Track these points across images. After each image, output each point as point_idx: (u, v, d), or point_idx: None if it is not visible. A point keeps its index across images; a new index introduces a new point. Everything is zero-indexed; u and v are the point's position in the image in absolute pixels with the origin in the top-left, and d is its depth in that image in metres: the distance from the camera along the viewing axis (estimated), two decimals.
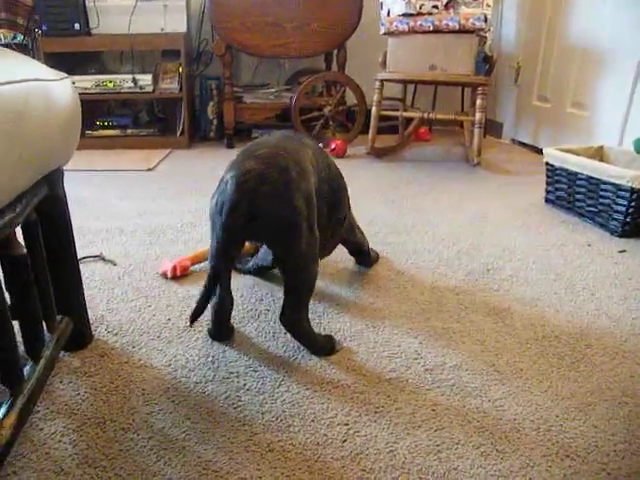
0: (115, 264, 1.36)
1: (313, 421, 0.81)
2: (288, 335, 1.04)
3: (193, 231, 1.59)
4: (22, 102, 0.66)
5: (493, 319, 1.11)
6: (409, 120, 2.95)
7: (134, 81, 2.74)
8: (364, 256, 1.35)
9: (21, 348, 0.78)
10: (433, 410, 0.84)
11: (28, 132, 0.68)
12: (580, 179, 1.70)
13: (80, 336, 1.00)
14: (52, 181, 0.87)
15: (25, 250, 0.77)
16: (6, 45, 2.64)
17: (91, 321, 1.05)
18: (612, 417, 0.83)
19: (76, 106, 0.89)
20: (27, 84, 0.69)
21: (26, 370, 0.77)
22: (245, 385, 0.90)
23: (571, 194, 1.76)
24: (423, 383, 0.91)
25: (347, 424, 0.81)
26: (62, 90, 0.83)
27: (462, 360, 0.97)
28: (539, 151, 2.63)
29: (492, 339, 1.04)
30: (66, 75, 0.88)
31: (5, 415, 0.68)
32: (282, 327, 0.97)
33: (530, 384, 0.91)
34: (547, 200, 1.90)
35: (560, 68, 2.58)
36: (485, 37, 2.54)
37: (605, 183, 1.59)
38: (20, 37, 2.81)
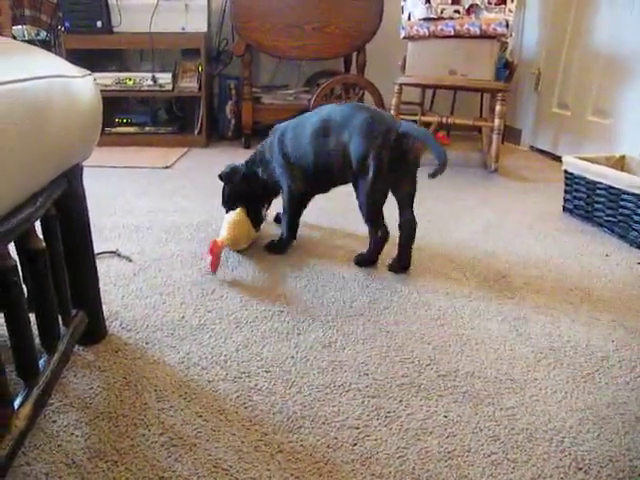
0: (130, 260, 1.37)
1: (324, 423, 0.81)
2: (301, 336, 1.04)
3: (209, 229, 1.60)
4: (45, 98, 0.67)
5: (508, 327, 1.10)
6: (427, 125, 2.93)
7: (154, 79, 2.76)
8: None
9: (36, 340, 0.78)
10: (445, 417, 0.84)
11: (50, 128, 0.69)
12: (600, 188, 1.68)
13: (94, 331, 1.00)
14: (71, 177, 0.88)
15: (43, 244, 0.78)
16: (30, 41, 2.68)
17: (106, 316, 1.06)
18: (628, 432, 0.81)
19: (97, 103, 0.90)
20: (50, 80, 0.70)
21: (41, 362, 0.78)
22: (257, 385, 0.90)
23: (590, 203, 1.74)
24: (435, 389, 0.90)
25: (358, 428, 0.81)
26: (84, 87, 0.83)
27: (475, 367, 0.96)
28: (558, 159, 2.60)
29: (506, 347, 1.03)
30: (89, 72, 0.89)
31: (20, 406, 0.69)
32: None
33: (544, 394, 0.90)
34: (565, 209, 1.87)
35: (582, 75, 2.55)
36: (506, 43, 2.52)
37: (626, 193, 1.57)
38: (43, 34, 2.85)
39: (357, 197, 1.31)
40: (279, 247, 1.46)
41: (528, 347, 1.03)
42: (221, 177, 1.57)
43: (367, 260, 1.38)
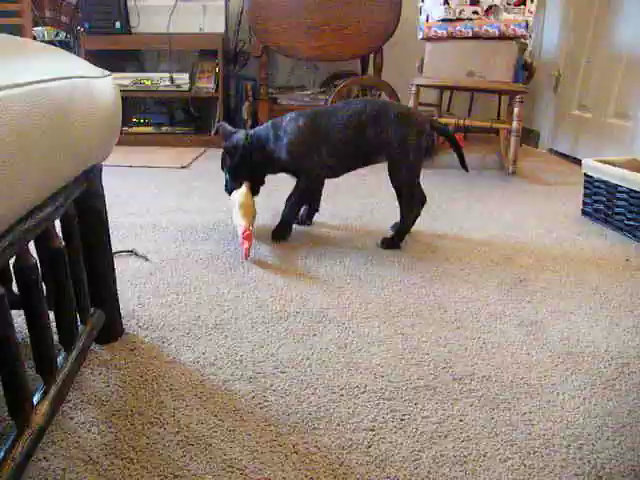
0: (147, 259, 1.38)
1: (339, 425, 0.81)
2: (316, 337, 1.04)
3: (225, 230, 1.61)
4: (66, 98, 0.68)
5: (525, 331, 1.09)
6: None
7: (171, 80, 2.78)
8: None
9: (55, 338, 0.79)
10: (461, 420, 0.83)
11: (71, 128, 0.70)
12: (620, 192, 1.66)
13: (111, 329, 1.01)
14: (91, 176, 0.88)
15: (63, 243, 0.79)
16: (49, 42, 2.72)
17: (122, 315, 1.07)
18: None
19: (117, 103, 0.91)
20: (71, 81, 0.71)
21: (59, 359, 0.79)
22: (272, 386, 0.90)
23: (610, 207, 1.72)
24: (451, 392, 0.89)
25: (373, 430, 0.80)
26: (104, 87, 0.84)
27: (492, 371, 0.95)
28: (577, 162, 2.57)
29: (523, 351, 1.02)
30: (109, 73, 0.89)
31: (39, 402, 0.70)
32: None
33: (562, 399, 0.88)
34: (584, 212, 1.85)
35: (603, 77, 2.51)
36: (526, 44, 2.49)
37: None
38: (63, 34, 2.89)
39: (394, 179, 1.46)
40: (280, 233, 1.53)
41: (545, 352, 1.02)
42: (226, 149, 1.57)
43: (395, 243, 1.49)
